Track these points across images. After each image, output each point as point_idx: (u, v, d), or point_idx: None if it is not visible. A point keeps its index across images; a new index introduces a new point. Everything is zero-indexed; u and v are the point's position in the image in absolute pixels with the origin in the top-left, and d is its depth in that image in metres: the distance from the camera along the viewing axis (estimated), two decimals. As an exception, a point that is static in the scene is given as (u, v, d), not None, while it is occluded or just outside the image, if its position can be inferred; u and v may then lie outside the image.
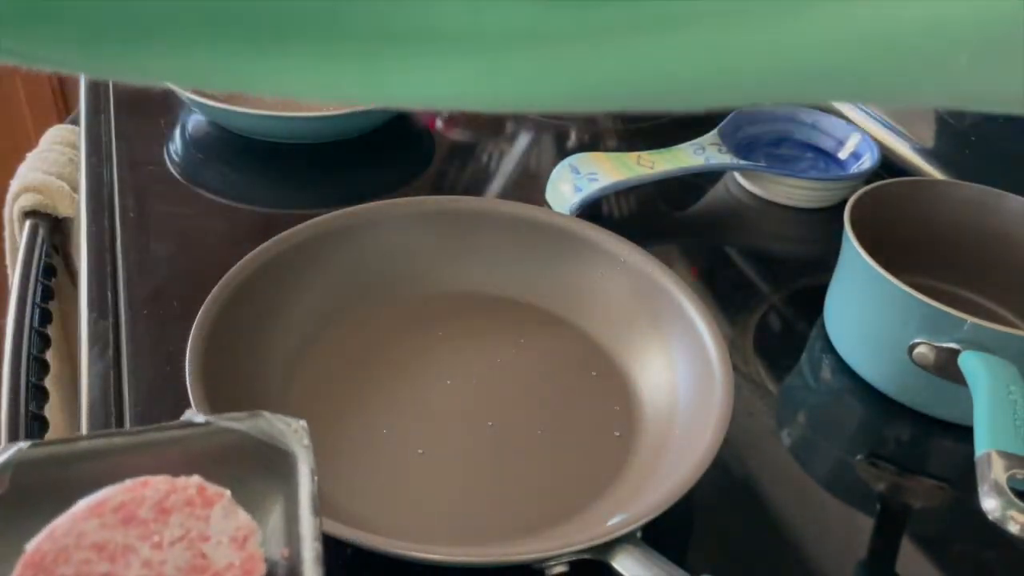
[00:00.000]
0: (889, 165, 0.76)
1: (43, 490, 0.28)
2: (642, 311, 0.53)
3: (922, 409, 0.53)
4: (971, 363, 0.47)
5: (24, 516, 0.27)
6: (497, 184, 0.74)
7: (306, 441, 0.30)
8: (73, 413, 0.69)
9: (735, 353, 0.57)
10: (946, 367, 0.49)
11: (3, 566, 0.26)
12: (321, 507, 0.28)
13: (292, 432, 0.30)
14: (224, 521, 0.27)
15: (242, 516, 0.28)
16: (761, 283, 0.65)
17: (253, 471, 0.30)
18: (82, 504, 0.27)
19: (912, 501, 0.50)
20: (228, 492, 0.28)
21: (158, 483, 0.28)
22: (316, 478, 0.29)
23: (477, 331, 0.55)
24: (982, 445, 0.40)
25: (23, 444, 0.28)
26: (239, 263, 0.50)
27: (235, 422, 0.30)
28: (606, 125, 0.86)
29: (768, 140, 0.78)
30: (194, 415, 0.31)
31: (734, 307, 0.62)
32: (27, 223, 0.74)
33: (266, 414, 0.30)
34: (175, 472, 0.29)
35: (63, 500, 0.27)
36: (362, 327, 0.54)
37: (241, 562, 0.26)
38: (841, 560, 0.46)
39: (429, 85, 0.18)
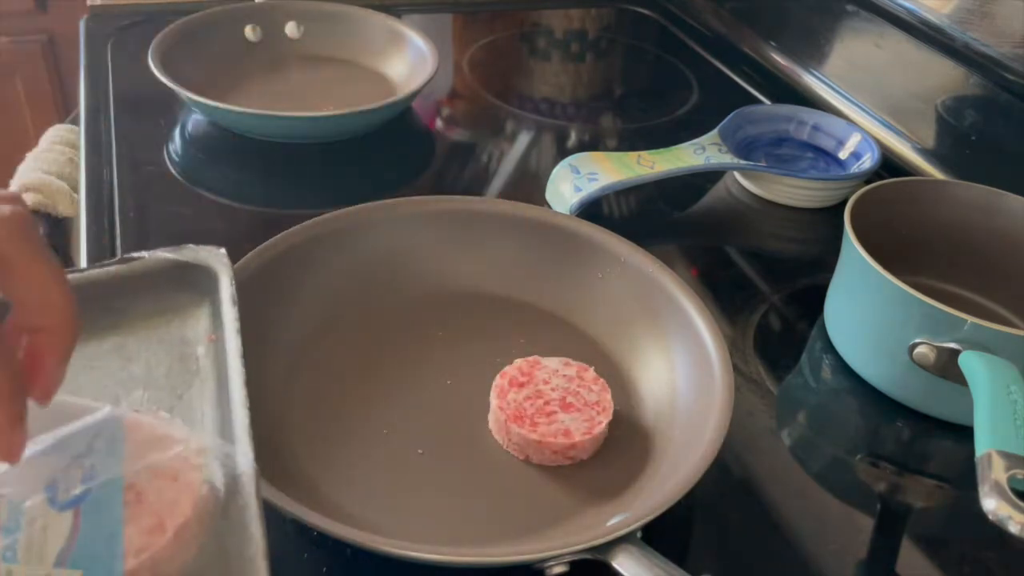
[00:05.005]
0: (889, 165, 0.76)
1: None
2: (642, 311, 0.53)
3: (922, 409, 0.53)
4: (971, 363, 0.46)
5: None
6: (497, 184, 0.74)
7: (225, 260, 0.38)
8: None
9: (735, 353, 0.57)
10: (946, 367, 0.49)
11: None
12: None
13: (214, 256, 0.38)
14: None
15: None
16: (761, 283, 0.65)
17: (181, 288, 0.39)
18: None
19: (912, 501, 0.50)
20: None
21: None
22: (233, 283, 0.37)
23: (477, 331, 0.55)
24: (982, 445, 0.40)
25: None
26: (239, 263, 0.50)
27: (167, 252, 0.39)
28: (606, 125, 0.86)
29: (768, 140, 0.78)
30: (131, 254, 0.39)
31: (734, 307, 0.61)
32: (27, 223, 0.74)
33: (191, 245, 0.38)
34: (117, 296, 0.37)
35: None
36: (362, 327, 0.54)
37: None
38: (841, 560, 0.46)
39: None
